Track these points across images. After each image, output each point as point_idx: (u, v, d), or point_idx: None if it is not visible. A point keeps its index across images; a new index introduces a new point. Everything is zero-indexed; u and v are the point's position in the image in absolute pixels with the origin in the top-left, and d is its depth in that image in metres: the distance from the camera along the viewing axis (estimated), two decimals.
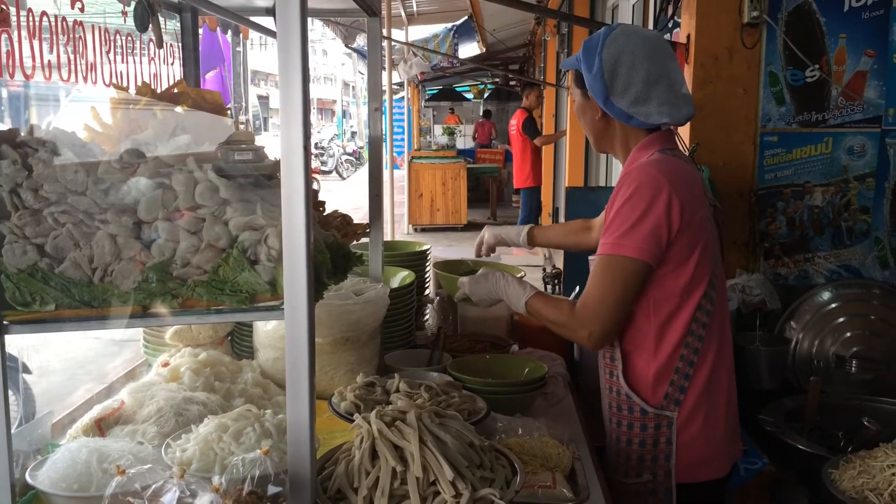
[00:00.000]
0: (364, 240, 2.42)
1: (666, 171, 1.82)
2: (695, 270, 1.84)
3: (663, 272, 1.84)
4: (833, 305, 3.00)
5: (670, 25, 3.85)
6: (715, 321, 1.89)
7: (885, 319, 2.95)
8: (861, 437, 2.26)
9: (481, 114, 20.42)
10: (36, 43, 1.69)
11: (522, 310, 1.95)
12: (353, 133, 33.88)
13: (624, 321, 1.87)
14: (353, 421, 1.54)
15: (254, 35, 3.60)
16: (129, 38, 2.07)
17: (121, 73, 2.07)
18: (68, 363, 5.51)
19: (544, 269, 4.00)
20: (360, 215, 2.41)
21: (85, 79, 1.90)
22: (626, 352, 1.91)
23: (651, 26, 4.68)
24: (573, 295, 2.81)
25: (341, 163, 24.17)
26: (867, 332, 2.92)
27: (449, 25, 11.78)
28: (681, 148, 2.03)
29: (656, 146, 1.90)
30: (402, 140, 14.06)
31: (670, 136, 1.96)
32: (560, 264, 3.60)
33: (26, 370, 4.39)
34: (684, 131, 3.16)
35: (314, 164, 21.94)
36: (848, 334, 2.92)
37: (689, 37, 3.15)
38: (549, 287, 4.53)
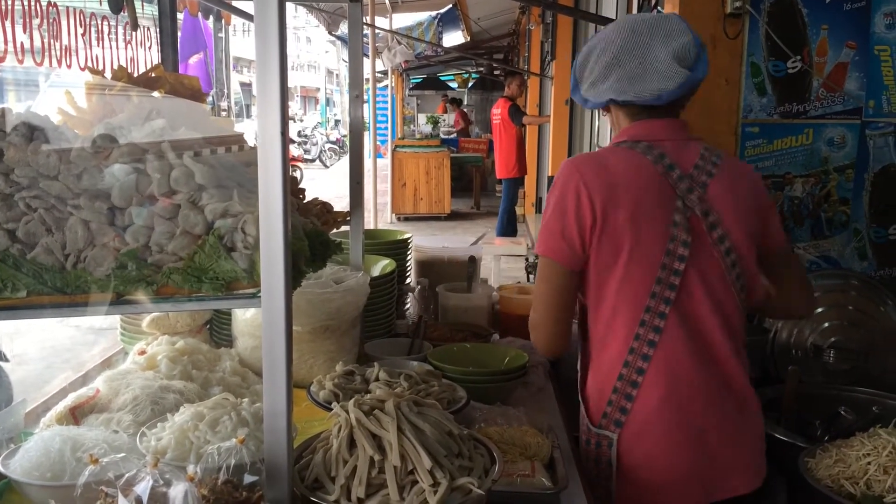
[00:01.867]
0: (345, 228, 2.41)
1: (583, 163, 1.74)
2: (621, 280, 1.71)
3: (596, 276, 1.74)
4: None
5: None
6: (669, 342, 1.71)
7: (862, 310, 2.97)
8: (838, 427, 2.28)
9: (448, 101, 20.19)
10: (8, 25, 1.66)
11: None
12: (337, 121, 33.71)
13: (563, 323, 1.80)
14: (331, 410, 1.53)
15: (238, 21, 3.57)
16: (106, 20, 2.04)
17: (97, 56, 2.04)
18: (46, 351, 5.45)
19: (527, 259, 4.01)
20: (342, 204, 2.40)
21: (59, 63, 1.87)
22: (582, 362, 1.87)
23: None
24: None
25: (325, 151, 24.06)
26: (845, 323, 2.94)
27: (433, 13, 11.73)
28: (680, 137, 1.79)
29: (623, 137, 1.80)
30: (386, 129, 14.02)
31: (650, 127, 1.78)
32: None
33: (2, 358, 4.33)
34: None
35: (297, 152, 21.83)
36: (826, 324, 2.94)
37: None
38: (531, 276, 4.53)
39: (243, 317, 2.15)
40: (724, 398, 1.78)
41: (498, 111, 9.59)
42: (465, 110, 19.58)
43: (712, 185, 1.75)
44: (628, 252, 1.69)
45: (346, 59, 2.59)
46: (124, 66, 2.06)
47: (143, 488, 1.15)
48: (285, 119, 1.19)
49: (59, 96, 1.51)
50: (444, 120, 19.73)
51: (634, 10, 4.74)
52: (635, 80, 1.73)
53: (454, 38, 13.13)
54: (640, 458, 1.75)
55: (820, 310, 2.99)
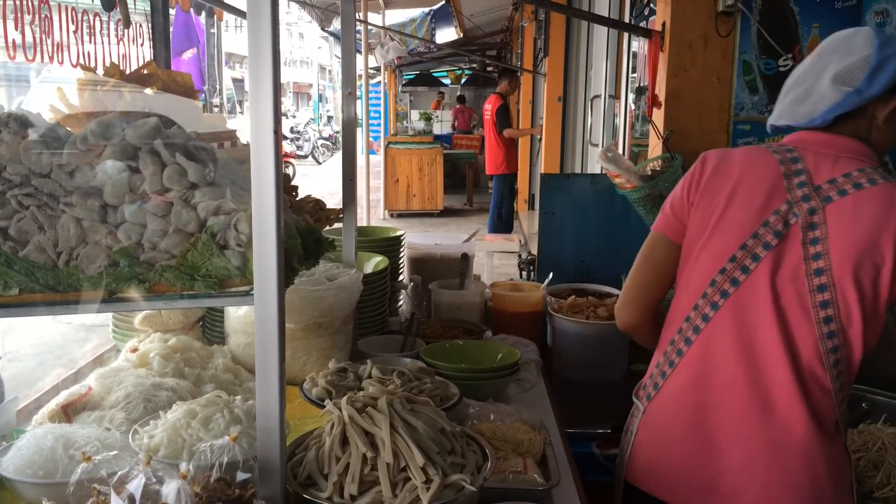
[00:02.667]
0: (338, 225, 2.41)
1: (712, 151, 1.77)
2: (694, 261, 1.71)
3: (686, 251, 1.74)
4: None
5: (646, 13, 3.85)
6: (712, 335, 1.67)
7: None
8: None
9: (456, 99, 20.20)
10: None
11: None
12: (330, 117, 33.63)
13: (636, 290, 1.82)
14: (324, 407, 1.53)
15: (230, 17, 3.56)
16: (97, 17, 2.03)
17: (89, 53, 2.03)
18: (38, 348, 5.44)
19: (519, 256, 4.02)
20: (335, 200, 2.39)
21: (51, 59, 1.87)
22: None
23: (627, 14, 4.69)
24: (546, 282, 2.82)
25: (317, 147, 24.00)
26: None
27: (426, 10, 11.70)
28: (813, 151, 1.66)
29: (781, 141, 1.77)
30: (379, 125, 14.00)
31: (805, 136, 1.70)
32: (535, 251, 3.61)
33: None
34: (659, 119, 3.17)
35: (290, 148, 21.76)
36: None
37: (664, 25, 3.15)
38: (523, 273, 4.54)
39: (236, 314, 2.15)
40: (758, 425, 1.62)
41: (489, 107, 9.53)
42: (467, 106, 19.50)
43: (837, 203, 1.58)
44: (709, 233, 1.68)
45: (339, 56, 2.58)
46: (116, 62, 2.06)
47: (135, 486, 1.15)
48: (278, 116, 1.19)
49: (50, 93, 1.51)
50: (436, 116, 19.69)
51: (627, 9, 4.75)
52: (796, 104, 1.68)
53: (447, 34, 13.10)
54: (650, 436, 1.77)
55: None
